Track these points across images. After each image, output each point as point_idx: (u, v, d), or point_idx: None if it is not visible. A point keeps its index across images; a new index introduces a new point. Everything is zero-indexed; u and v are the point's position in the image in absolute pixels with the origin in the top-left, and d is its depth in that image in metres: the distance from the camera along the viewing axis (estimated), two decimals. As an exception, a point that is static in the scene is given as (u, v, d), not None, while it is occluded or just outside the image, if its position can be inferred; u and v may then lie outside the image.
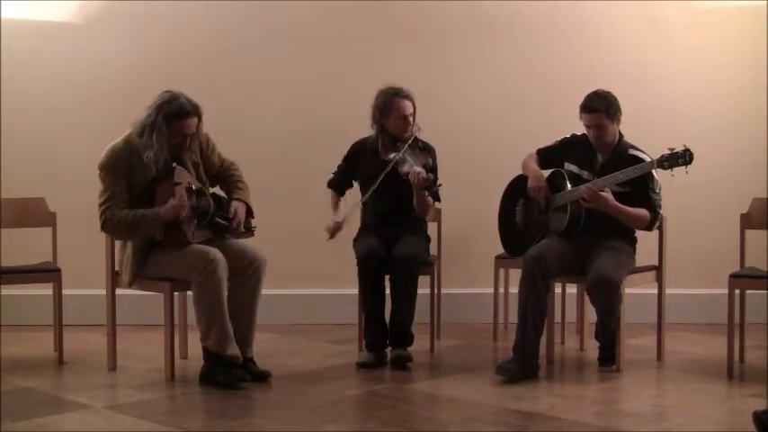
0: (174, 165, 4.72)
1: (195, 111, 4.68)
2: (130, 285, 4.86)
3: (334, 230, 5.21)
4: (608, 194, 4.86)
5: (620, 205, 4.88)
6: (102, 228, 4.73)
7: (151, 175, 4.68)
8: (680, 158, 4.73)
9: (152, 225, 4.65)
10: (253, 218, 5.02)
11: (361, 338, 5.35)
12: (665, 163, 4.76)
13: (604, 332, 5.08)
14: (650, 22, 6.47)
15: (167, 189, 4.66)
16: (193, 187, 4.74)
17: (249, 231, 4.99)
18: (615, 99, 4.99)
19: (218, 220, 4.83)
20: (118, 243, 4.91)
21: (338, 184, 5.46)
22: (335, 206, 5.41)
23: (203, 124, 4.76)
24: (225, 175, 4.99)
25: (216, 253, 4.67)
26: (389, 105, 5.24)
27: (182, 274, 4.71)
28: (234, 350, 4.69)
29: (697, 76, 6.49)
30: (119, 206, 4.67)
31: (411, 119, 5.27)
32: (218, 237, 4.84)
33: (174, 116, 4.63)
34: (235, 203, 4.91)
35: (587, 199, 4.87)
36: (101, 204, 4.71)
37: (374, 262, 5.12)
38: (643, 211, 4.94)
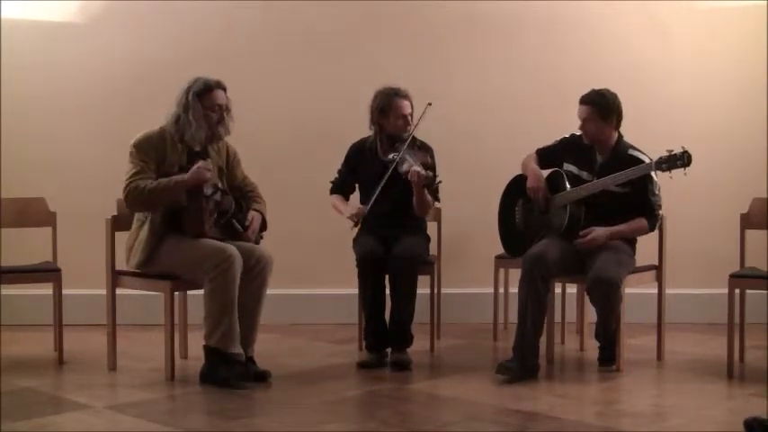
0: (206, 159, 4.79)
1: (219, 84, 4.85)
2: (138, 268, 4.83)
3: (359, 215, 5.16)
4: (599, 233, 4.90)
5: (615, 230, 4.94)
6: (126, 198, 4.73)
7: (181, 164, 4.74)
8: (678, 160, 4.73)
9: (177, 189, 4.68)
10: (263, 231, 5.04)
11: (362, 338, 5.35)
12: (664, 165, 4.76)
13: (604, 332, 5.08)
14: (650, 23, 6.48)
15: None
16: (219, 185, 4.80)
17: (256, 243, 5.01)
18: (613, 101, 4.97)
19: (234, 222, 4.86)
20: (130, 229, 4.89)
21: (341, 190, 5.45)
22: (345, 204, 5.38)
23: (230, 100, 4.88)
24: (244, 191, 5.04)
25: (233, 250, 4.68)
26: (388, 105, 5.25)
27: (192, 268, 4.71)
28: (237, 349, 4.69)
29: (697, 76, 6.50)
30: (144, 180, 4.70)
31: (410, 118, 5.27)
32: (228, 239, 4.85)
33: (203, 91, 4.78)
34: (253, 213, 4.97)
35: (586, 247, 4.90)
36: (127, 179, 4.72)
37: (374, 262, 5.12)
38: (640, 223, 4.97)
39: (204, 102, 4.78)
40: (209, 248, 4.68)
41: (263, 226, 5.03)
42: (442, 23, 6.49)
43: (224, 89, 4.85)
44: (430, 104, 5.20)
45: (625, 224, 4.97)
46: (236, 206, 4.89)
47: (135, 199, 4.72)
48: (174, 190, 4.68)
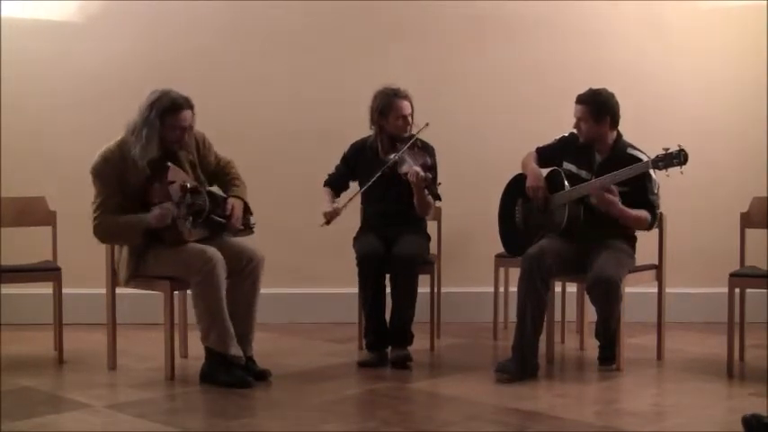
0: (169, 164, 4.71)
1: (187, 103, 4.69)
2: (127, 284, 4.86)
3: (332, 215, 5.16)
4: (615, 198, 4.83)
5: (623, 208, 4.86)
6: (95, 233, 4.75)
7: (145, 175, 4.68)
8: (674, 159, 4.71)
9: (137, 232, 4.67)
10: (251, 215, 5.01)
11: (362, 337, 5.35)
12: (660, 163, 4.75)
13: (604, 331, 5.08)
14: (650, 22, 6.47)
15: (161, 189, 4.67)
16: (188, 185, 4.73)
17: (248, 229, 4.98)
18: (607, 101, 4.96)
19: (214, 217, 4.82)
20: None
21: (335, 184, 5.44)
22: (330, 199, 5.38)
23: (196, 117, 4.75)
24: (221, 174, 4.99)
25: (213, 252, 4.67)
26: (388, 106, 5.24)
27: (180, 273, 4.72)
28: (236, 350, 4.69)
29: (697, 75, 6.49)
30: (109, 211, 4.67)
31: (410, 119, 5.27)
32: (215, 235, 4.84)
33: (167, 111, 4.63)
34: (231, 200, 4.90)
35: (594, 198, 4.85)
36: (93, 211, 4.72)
37: (374, 261, 5.12)
38: (644, 213, 4.94)
39: (167, 120, 4.63)
40: (190, 253, 4.67)
41: (248, 209, 4.98)
42: (443, 23, 6.48)
43: (191, 108, 4.70)
44: (427, 124, 5.21)
45: (633, 210, 4.92)
46: (210, 201, 4.84)
47: (102, 236, 4.76)
48: (136, 231, 4.66)
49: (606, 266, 4.80)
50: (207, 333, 4.67)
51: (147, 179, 4.68)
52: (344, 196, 5.38)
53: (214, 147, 5.00)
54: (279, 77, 6.45)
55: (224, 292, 4.68)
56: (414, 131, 5.27)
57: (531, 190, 5.14)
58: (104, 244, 4.88)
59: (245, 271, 4.80)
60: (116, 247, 4.89)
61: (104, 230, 4.70)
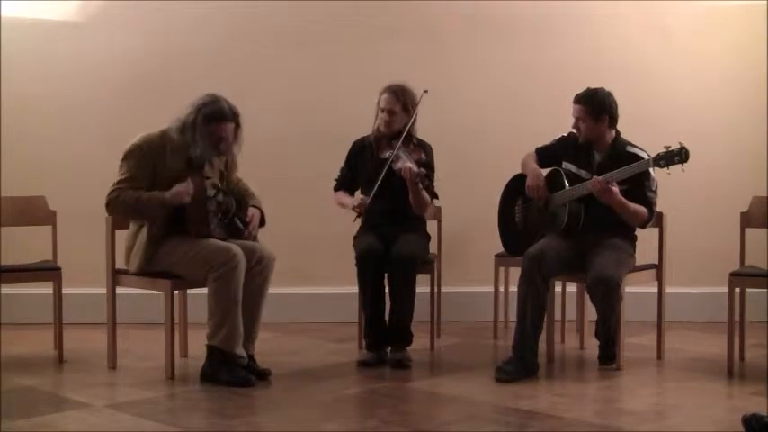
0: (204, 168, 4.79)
1: (233, 116, 4.77)
2: (138, 272, 4.83)
3: (362, 206, 5.18)
4: (616, 189, 4.84)
5: (624, 201, 4.88)
6: (107, 206, 4.73)
7: (179, 168, 4.71)
8: (676, 156, 4.72)
9: (155, 207, 4.66)
10: (262, 226, 5.04)
11: (362, 337, 5.35)
12: (662, 161, 4.75)
13: (604, 331, 5.08)
14: (650, 22, 6.48)
15: (199, 181, 4.72)
16: (219, 185, 4.80)
17: (254, 240, 5.02)
18: (604, 100, 4.96)
19: (236, 220, 4.87)
20: (128, 230, 4.89)
21: (345, 187, 5.44)
22: (349, 197, 5.39)
23: (242, 132, 4.83)
24: (238, 191, 5.02)
25: (238, 250, 4.68)
26: (378, 101, 5.26)
27: (196, 267, 4.70)
28: (241, 350, 4.69)
29: (697, 75, 6.50)
30: (130, 189, 4.68)
31: (390, 114, 5.21)
32: (230, 237, 4.85)
33: (211, 118, 4.70)
34: (252, 209, 4.97)
35: (596, 192, 4.85)
36: (115, 184, 4.71)
37: (373, 260, 5.12)
38: (642, 208, 4.94)
39: (209, 127, 4.71)
40: (214, 248, 4.68)
41: (262, 222, 5.03)
42: (444, 23, 6.49)
43: (237, 123, 4.78)
44: (426, 92, 5.20)
45: (632, 204, 4.92)
46: (236, 205, 4.90)
47: (115, 209, 4.74)
48: (154, 207, 4.67)
49: (606, 266, 4.81)
50: (216, 330, 4.67)
51: (177, 175, 4.72)
52: (358, 193, 5.40)
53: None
54: (278, 79, 6.45)
55: (241, 292, 4.69)
56: (412, 129, 5.25)
57: (532, 190, 5.14)
58: (115, 216, 4.83)
59: (255, 269, 4.80)
60: (130, 235, 4.87)
61: (119, 204, 4.68)
